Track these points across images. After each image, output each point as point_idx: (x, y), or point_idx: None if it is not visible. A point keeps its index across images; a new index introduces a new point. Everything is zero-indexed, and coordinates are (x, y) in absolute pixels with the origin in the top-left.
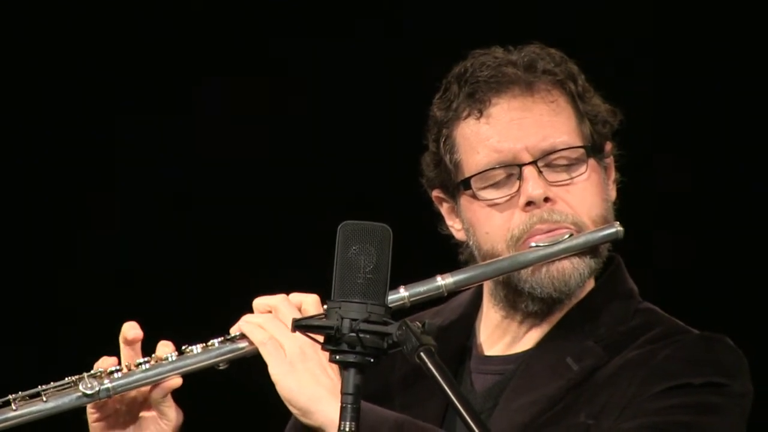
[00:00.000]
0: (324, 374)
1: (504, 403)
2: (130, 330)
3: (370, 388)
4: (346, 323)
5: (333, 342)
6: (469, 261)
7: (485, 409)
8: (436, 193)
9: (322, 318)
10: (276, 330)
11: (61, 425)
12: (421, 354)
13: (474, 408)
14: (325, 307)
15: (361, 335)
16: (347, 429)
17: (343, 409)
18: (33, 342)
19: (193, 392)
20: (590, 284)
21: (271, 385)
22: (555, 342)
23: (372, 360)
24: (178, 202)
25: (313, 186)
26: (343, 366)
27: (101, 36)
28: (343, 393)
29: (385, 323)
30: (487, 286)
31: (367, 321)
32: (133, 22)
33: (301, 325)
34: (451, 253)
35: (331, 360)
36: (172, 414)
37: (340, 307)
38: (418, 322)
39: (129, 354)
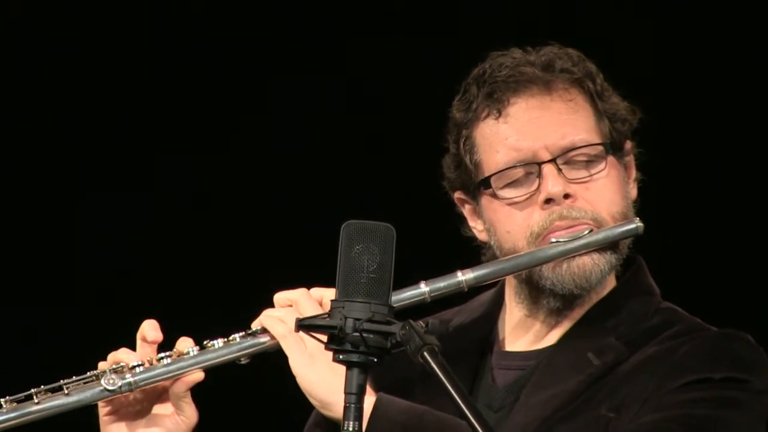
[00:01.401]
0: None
1: (525, 397)
2: (150, 331)
3: (389, 382)
4: (350, 323)
5: (336, 341)
6: None
7: (506, 404)
8: (457, 195)
9: (325, 318)
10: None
11: (71, 417)
12: (425, 354)
13: (478, 408)
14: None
15: (365, 335)
16: (351, 429)
17: (346, 409)
18: (50, 336)
19: (209, 392)
20: (612, 283)
21: (290, 380)
22: (576, 338)
23: (376, 360)
24: (199, 199)
25: (330, 182)
26: (347, 366)
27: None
28: (347, 393)
29: (389, 323)
30: (511, 285)
31: (370, 321)
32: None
33: (305, 325)
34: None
35: (335, 360)
36: (190, 411)
37: (343, 307)
38: (421, 322)
39: (145, 352)
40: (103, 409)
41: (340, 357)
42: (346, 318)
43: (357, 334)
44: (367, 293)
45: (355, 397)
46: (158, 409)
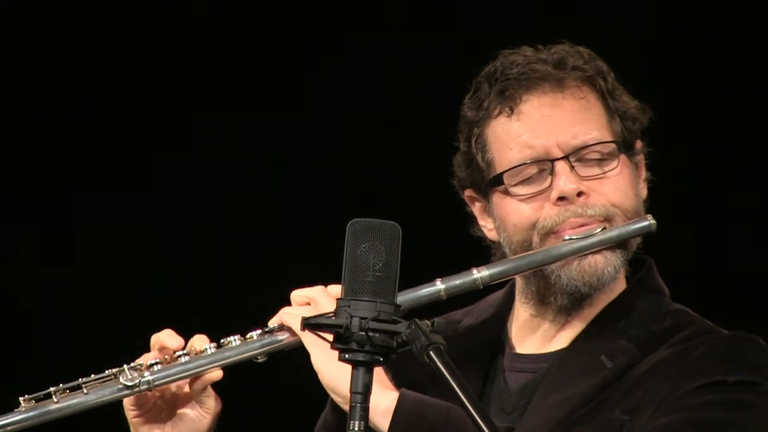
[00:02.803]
0: None
1: (538, 400)
2: (170, 339)
3: (401, 383)
4: (356, 322)
5: (342, 341)
6: None
7: (519, 406)
8: (468, 193)
9: (331, 317)
10: None
11: (99, 421)
12: (430, 353)
13: (483, 407)
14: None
15: (371, 334)
16: (357, 428)
17: (352, 408)
18: (62, 337)
19: (232, 382)
20: (622, 284)
21: (309, 377)
22: (588, 341)
23: (381, 359)
24: (213, 196)
25: (347, 182)
26: (353, 365)
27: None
28: (353, 392)
29: (395, 322)
30: (519, 284)
31: (376, 319)
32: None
33: (311, 324)
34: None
35: (341, 359)
36: (211, 403)
37: (349, 306)
38: (427, 321)
39: (163, 358)
40: (131, 413)
41: (346, 356)
42: (351, 317)
43: (363, 333)
44: (373, 292)
45: (361, 397)
46: (182, 407)
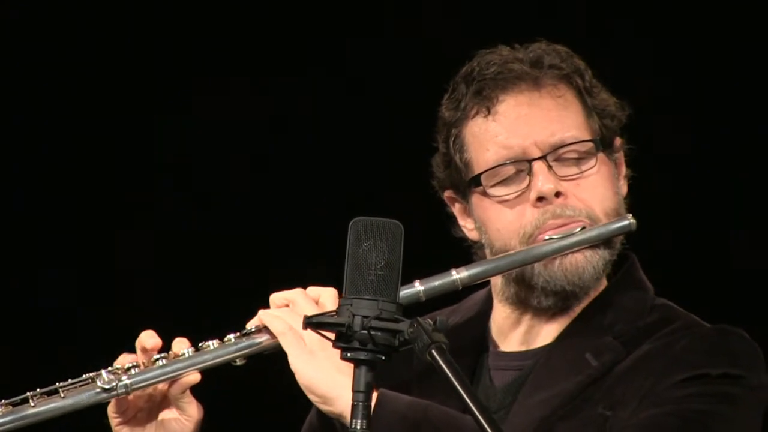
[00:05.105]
0: (344, 362)
1: (523, 398)
2: (149, 339)
3: (387, 384)
4: (358, 320)
5: (344, 339)
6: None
7: (505, 405)
8: (447, 194)
9: (333, 315)
10: (294, 321)
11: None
12: (432, 351)
13: (485, 405)
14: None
15: (373, 332)
16: (358, 427)
17: (354, 407)
18: (48, 342)
19: (211, 388)
20: (605, 281)
21: (288, 380)
22: (573, 337)
23: (383, 357)
24: (197, 200)
25: (329, 181)
26: (355, 364)
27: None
28: (355, 391)
29: (397, 320)
30: (496, 285)
31: (378, 318)
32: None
33: (313, 323)
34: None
35: (343, 357)
36: (193, 410)
37: (351, 304)
38: (429, 320)
39: (144, 360)
40: (114, 420)
41: (348, 355)
42: (354, 315)
43: (365, 331)
44: (375, 290)
45: (363, 395)
46: (164, 413)
